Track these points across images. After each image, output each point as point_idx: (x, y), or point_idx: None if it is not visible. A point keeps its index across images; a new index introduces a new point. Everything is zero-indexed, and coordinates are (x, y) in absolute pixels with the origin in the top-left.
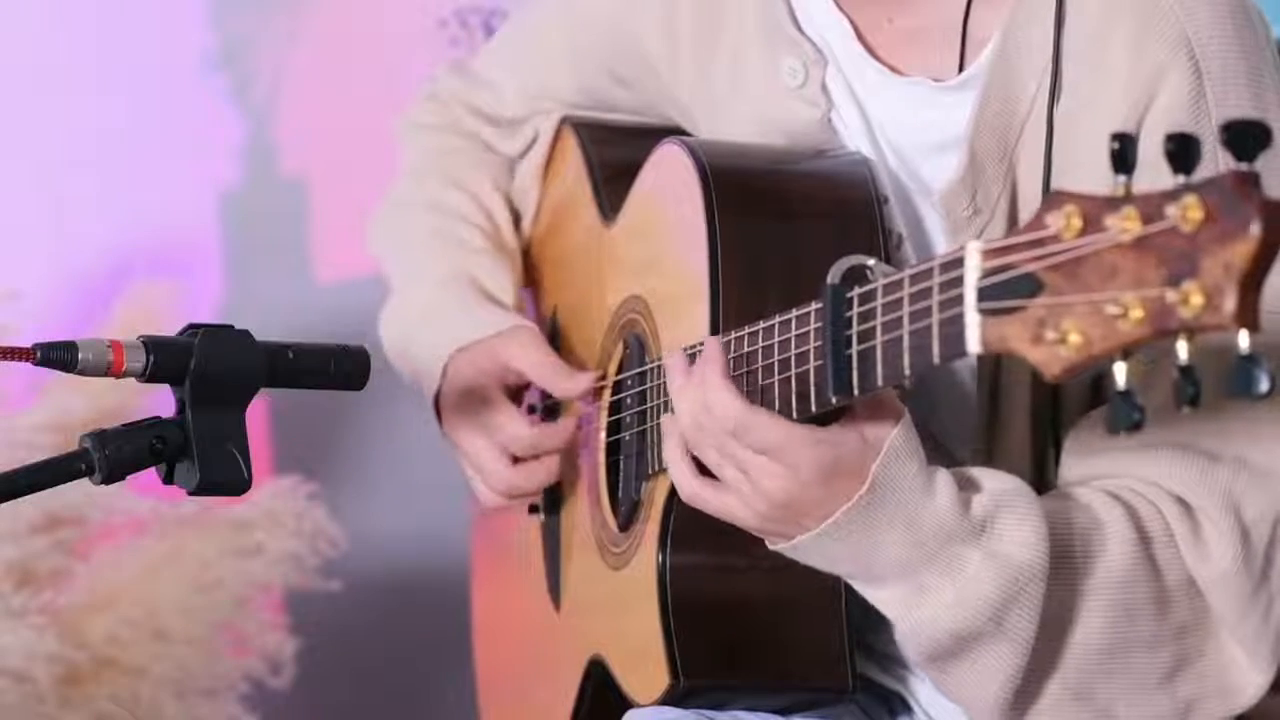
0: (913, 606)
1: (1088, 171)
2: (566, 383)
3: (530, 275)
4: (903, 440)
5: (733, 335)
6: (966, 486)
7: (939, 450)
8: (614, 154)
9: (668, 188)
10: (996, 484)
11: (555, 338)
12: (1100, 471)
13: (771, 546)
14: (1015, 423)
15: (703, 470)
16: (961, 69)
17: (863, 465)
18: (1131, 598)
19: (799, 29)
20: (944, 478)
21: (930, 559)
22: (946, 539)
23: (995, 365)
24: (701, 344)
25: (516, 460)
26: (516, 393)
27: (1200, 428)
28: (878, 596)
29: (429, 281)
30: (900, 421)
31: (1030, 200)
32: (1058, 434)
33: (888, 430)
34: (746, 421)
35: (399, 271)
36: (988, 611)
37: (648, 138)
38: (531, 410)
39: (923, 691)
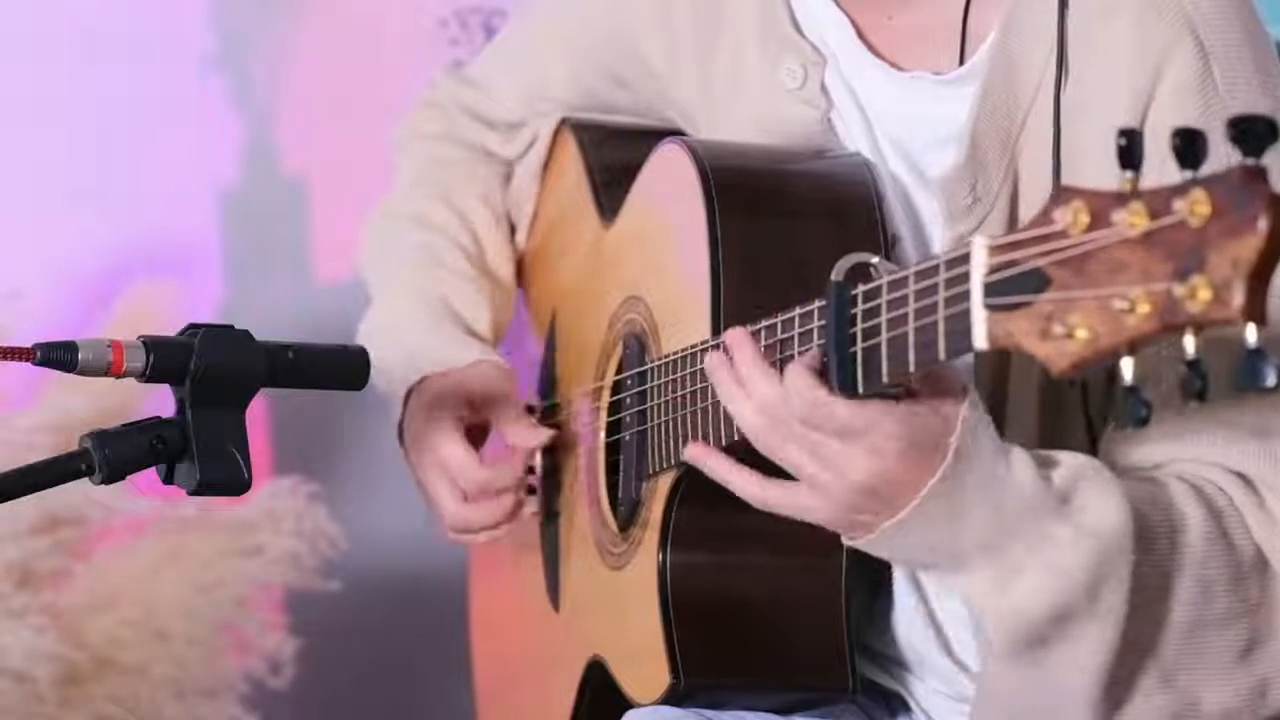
0: (1005, 588)
1: (1096, 157)
2: (521, 433)
3: (528, 278)
4: (974, 413)
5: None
6: (1043, 463)
7: None
8: (613, 155)
9: (668, 188)
10: (1072, 459)
11: (554, 339)
12: (1153, 458)
13: (849, 542)
14: (1020, 425)
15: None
16: (962, 63)
17: (942, 439)
18: (1210, 574)
19: (798, 30)
20: (1020, 453)
21: (1016, 536)
22: (1032, 514)
23: (997, 371)
24: (706, 341)
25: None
26: (482, 426)
27: (1247, 408)
28: (965, 584)
29: (402, 301)
30: (968, 395)
31: (1032, 191)
32: (1093, 434)
33: (956, 404)
34: (819, 402)
35: (377, 286)
36: (1082, 587)
37: (647, 139)
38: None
39: (922, 692)
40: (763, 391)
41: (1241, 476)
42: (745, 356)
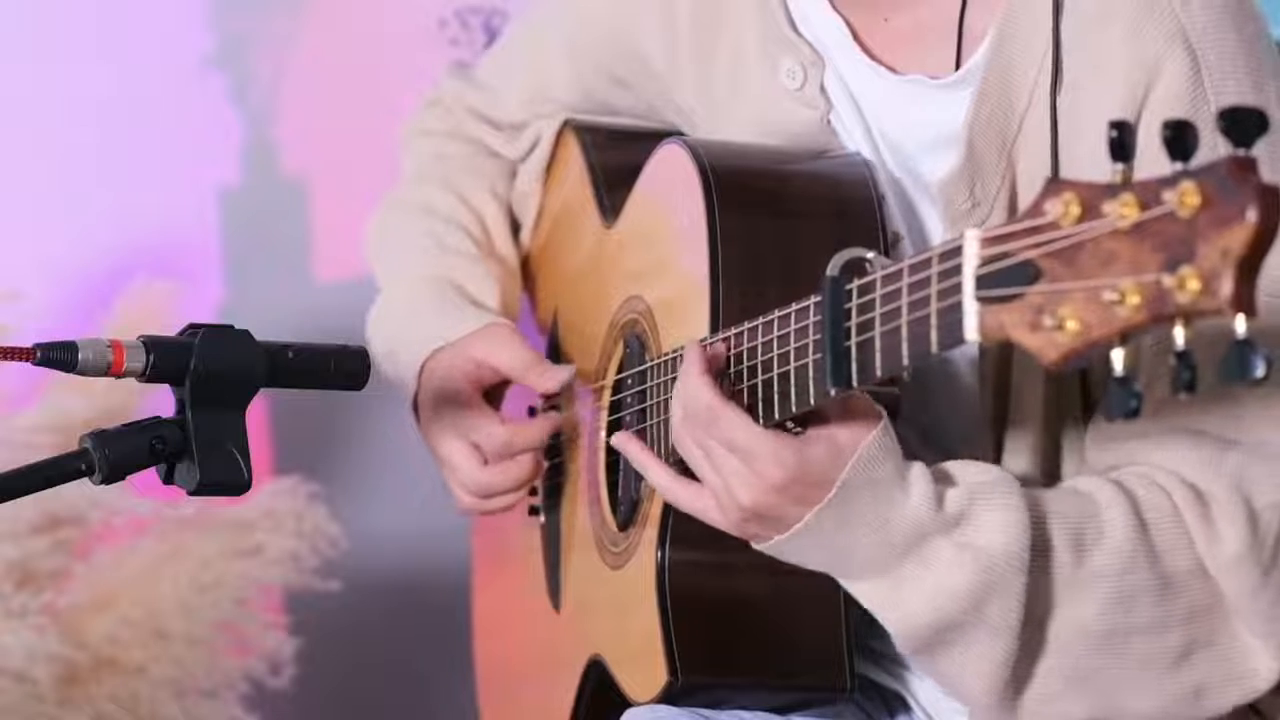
0: (890, 600)
1: (1091, 163)
2: (541, 377)
3: (531, 277)
4: (878, 446)
5: (732, 332)
6: (943, 480)
7: (940, 454)
8: (615, 156)
9: (668, 188)
10: (974, 476)
11: (556, 339)
12: (1118, 459)
13: (755, 545)
14: (1028, 417)
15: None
16: (958, 66)
17: (831, 472)
18: (1130, 583)
19: (796, 31)
20: (918, 473)
21: (903, 555)
22: (919, 534)
23: (1002, 359)
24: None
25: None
26: (496, 394)
27: (1215, 413)
28: (856, 591)
29: (410, 284)
30: (878, 426)
31: (1030, 195)
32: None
33: (863, 436)
34: (716, 412)
35: (385, 273)
36: (964, 602)
37: (648, 140)
38: (531, 412)
39: (922, 691)
40: (677, 391)
41: (1194, 488)
42: (693, 356)
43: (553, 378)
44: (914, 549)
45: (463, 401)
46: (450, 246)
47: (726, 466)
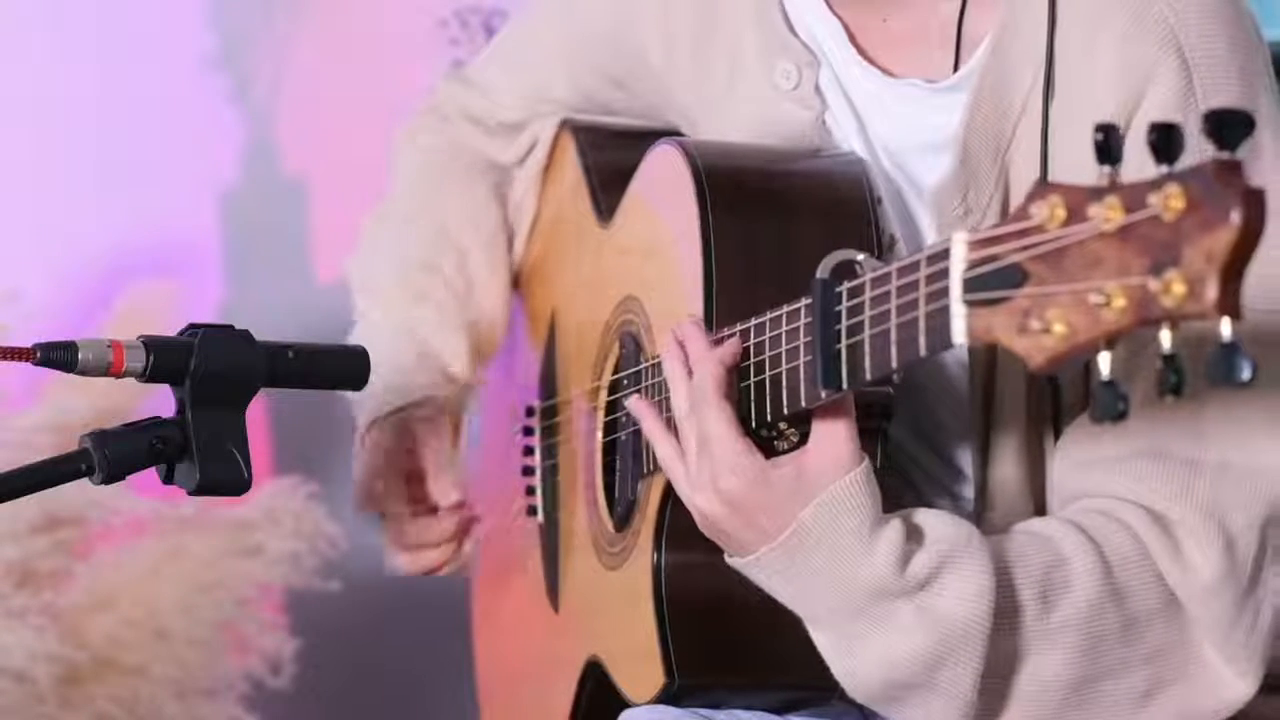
0: (843, 653)
1: (1082, 169)
2: (440, 489)
3: (529, 278)
4: (846, 493)
5: (724, 333)
6: (913, 537)
7: (933, 452)
8: (611, 156)
9: (662, 189)
10: (943, 533)
11: (554, 339)
12: (1083, 488)
13: (727, 560)
14: (1011, 419)
15: None
16: (956, 69)
17: (789, 506)
18: (1097, 629)
19: (792, 32)
20: (888, 536)
21: (859, 612)
22: (878, 595)
23: (989, 361)
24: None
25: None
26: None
27: (1180, 432)
28: (814, 637)
29: (381, 331)
30: (850, 474)
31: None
32: (1057, 428)
33: (832, 477)
34: (708, 400)
35: (360, 305)
36: (917, 666)
37: (645, 140)
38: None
39: None
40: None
41: (1162, 518)
42: (697, 347)
43: (441, 494)
44: (871, 608)
45: (391, 473)
46: (425, 296)
47: (700, 461)
